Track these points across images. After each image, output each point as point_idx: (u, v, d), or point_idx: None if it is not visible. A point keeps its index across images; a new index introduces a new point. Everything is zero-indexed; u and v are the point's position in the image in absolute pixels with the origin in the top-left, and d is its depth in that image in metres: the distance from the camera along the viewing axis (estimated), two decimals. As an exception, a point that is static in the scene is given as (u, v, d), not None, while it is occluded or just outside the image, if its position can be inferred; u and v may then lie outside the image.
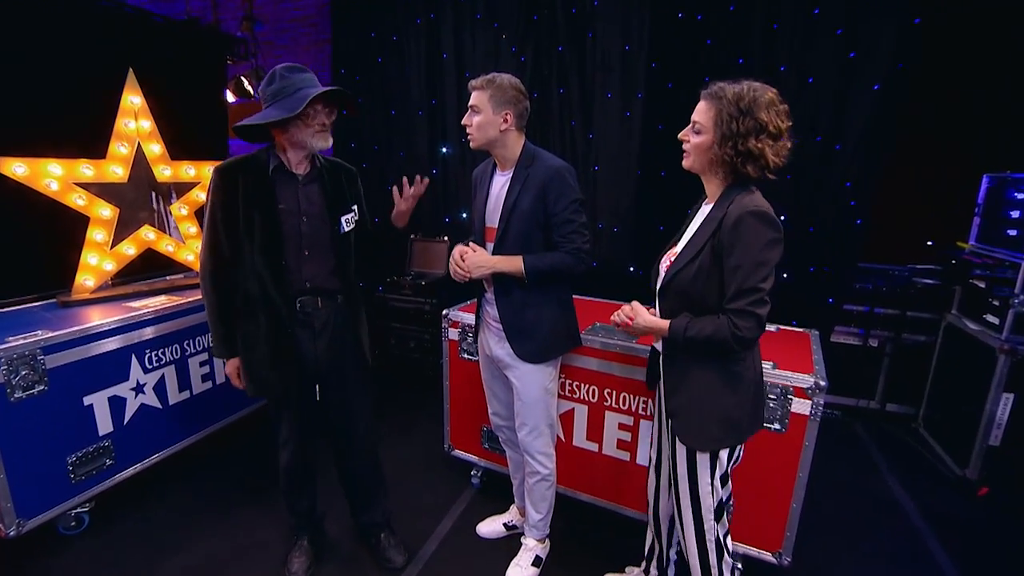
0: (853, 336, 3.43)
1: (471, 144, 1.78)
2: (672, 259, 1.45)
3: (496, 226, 1.80)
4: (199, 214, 2.85)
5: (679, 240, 1.52)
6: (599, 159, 3.56)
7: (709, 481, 1.44)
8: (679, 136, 1.43)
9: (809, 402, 1.76)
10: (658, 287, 1.48)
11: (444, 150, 4.06)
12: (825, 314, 3.23)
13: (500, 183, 1.83)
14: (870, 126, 3.02)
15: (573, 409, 2.21)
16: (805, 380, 1.77)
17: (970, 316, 2.82)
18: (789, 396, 1.78)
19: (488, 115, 1.71)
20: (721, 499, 1.47)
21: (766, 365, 1.84)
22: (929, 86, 3.03)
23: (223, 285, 1.73)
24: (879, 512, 2.46)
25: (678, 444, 1.46)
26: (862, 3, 2.94)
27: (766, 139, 1.26)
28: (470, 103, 1.73)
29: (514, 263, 1.74)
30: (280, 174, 1.71)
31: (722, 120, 1.28)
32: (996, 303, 2.58)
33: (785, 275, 3.24)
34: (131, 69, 2.46)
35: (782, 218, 3.16)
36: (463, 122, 1.76)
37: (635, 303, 1.49)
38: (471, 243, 1.85)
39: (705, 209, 1.44)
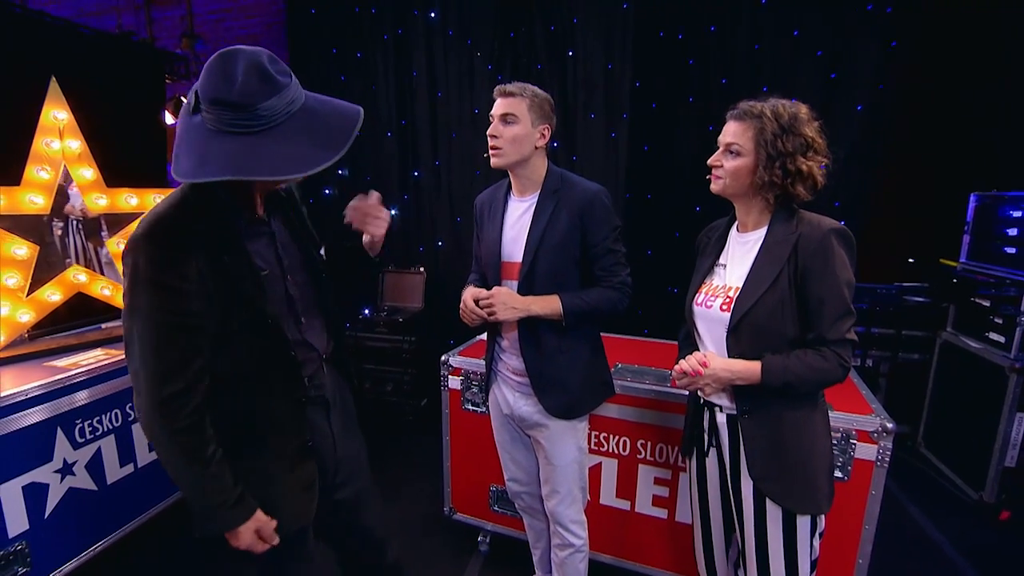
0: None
1: (496, 162, 1.51)
2: (731, 295, 1.27)
3: (520, 261, 1.55)
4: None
5: (712, 271, 1.36)
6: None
7: (809, 542, 1.26)
8: (709, 162, 1.28)
9: (875, 447, 1.59)
10: (728, 327, 1.27)
11: (416, 174, 3.78)
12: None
13: (520, 211, 1.58)
14: (857, 147, 3.03)
15: (601, 463, 1.96)
16: (869, 423, 1.60)
17: (969, 334, 2.82)
18: (852, 441, 1.61)
19: (527, 127, 1.47)
20: (816, 558, 1.29)
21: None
22: (906, 106, 3.07)
23: (202, 420, 1.06)
24: (912, 546, 2.35)
25: (770, 509, 1.25)
26: (841, 26, 2.96)
27: (814, 156, 1.18)
28: (501, 112, 1.47)
29: (550, 304, 1.49)
30: (251, 225, 1.16)
31: (765, 140, 1.17)
32: (999, 321, 2.57)
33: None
34: (53, 78, 2.04)
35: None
36: (490, 132, 1.49)
37: (709, 352, 1.27)
38: (474, 284, 1.59)
39: (751, 236, 1.28)
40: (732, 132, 1.23)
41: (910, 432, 3.25)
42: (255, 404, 1.15)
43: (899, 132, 3.09)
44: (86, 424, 1.97)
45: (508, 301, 1.48)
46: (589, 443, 1.94)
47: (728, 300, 1.27)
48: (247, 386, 1.14)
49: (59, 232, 2.17)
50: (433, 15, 3.53)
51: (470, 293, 1.53)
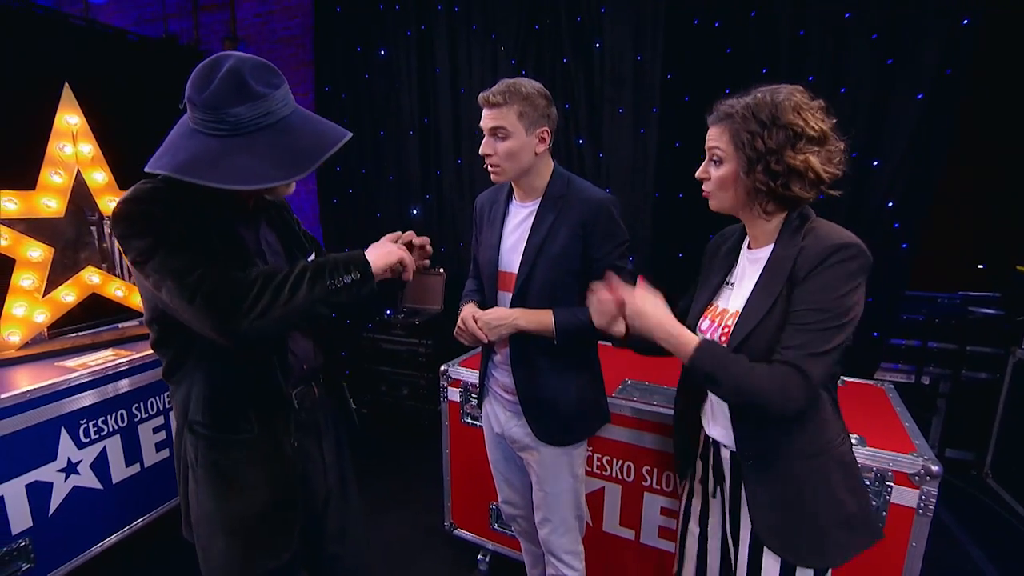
0: (901, 374, 3.05)
1: (496, 178, 1.39)
2: (730, 323, 1.10)
3: (516, 271, 1.42)
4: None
5: (720, 291, 1.20)
6: (611, 181, 3.22)
7: None
8: (696, 175, 1.13)
9: (916, 491, 1.36)
10: None
11: (438, 173, 3.70)
12: (869, 350, 2.87)
13: (520, 216, 1.46)
14: (915, 140, 2.70)
15: (603, 488, 1.81)
16: (909, 463, 1.37)
17: (1048, 354, 2.46)
18: (887, 483, 1.39)
19: (521, 138, 1.32)
20: None
21: (852, 438, 1.46)
22: (977, 92, 2.72)
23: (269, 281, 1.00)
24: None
25: (767, 559, 1.09)
26: (901, 5, 2.64)
27: (807, 146, 0.99)
28: (489, 126, 1.33)
29: (541, 320, 1.36)
30: (237, 214, 1.12)
31: (742, 141, 1.02)
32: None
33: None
34: (66, 84, 2.08)
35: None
36: (483, 151, 1.36)
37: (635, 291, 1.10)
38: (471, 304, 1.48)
39: (761, 253, 1.11)
40: (712, 137, 1.09)
41: (975, 460, 2.90)
42: (247, 399, 1.10)
43: (967, 122, 2.73)
44: (91, 424, 2.00)
45: (494, 318, 1.38)
46: (591, 465, 1.79)
47: (728, 329, 1.10)
48: (240, 381, 1.09)
49: (73, 233, 2.22)
50: (456, 9, 3.43)
51: (467, 311, 1.44)
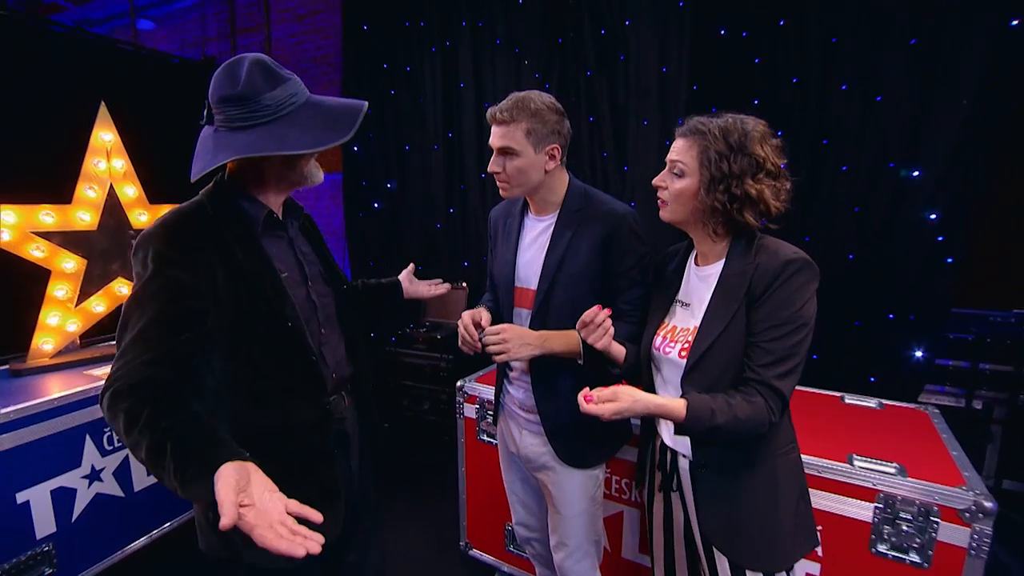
0: (949, 397, 2.86)
1: (506, 195, 1.37)
2: (691, 339, 1.12)
3: (534, 288, 1.38)
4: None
5: (671, 309, 1.22)
6: (635, 195, 3.16)
7: None
8: (654, 182, 1.18)
9: (967, 530, 1.24)
10: (683, 372, 1.12)
11: (462, 187, 3.71)
12: (912, 371, 2.70)
13: (537, 231, 1.42)
14: (960, 149, 2.56)
15: (622, 512, 1.73)
16: (958, 497, 1.26)
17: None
18: (933, 519, 1.27)
19: (529, 156, 1.29)
20: None
21: (889, 468, 1.35)
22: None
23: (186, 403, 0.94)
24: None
25: (719, 560, 1.13)
26: (942, 8, 2.52)
27: (764, 178, 1.07)
28: (497, 145, 1.30)
29: (570, 341, 1.30)
30: (268, 227, 1.13)
31: (709, 160, 1.07)
32: None
33: (857, 323, 2.75)
34: (103, 103, 2.17)
35: (849, 257, 2.74)
36: (491, 169, 1.33)
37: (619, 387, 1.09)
38: (483, 308, 1.43)
39: (711, 270, 1.15)
40: (677, 149, 1.13)
41: (1035, 493, 2.67)
42: (276, 414, 1.10)
43: (1018, 128, 2.57)
44: (115, 432, 2.03)
45: (522, 338, 1.30)
46: (608, 488, 1.72)
47: (688, 344, 1.12)
48: (267, 395, 1.09)
49: (105, 246, 2.29)
50: (480, 24, 3.46)
51: (470, 316, 1.38)
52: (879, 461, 1.38)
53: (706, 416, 1.01)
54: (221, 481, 0.80)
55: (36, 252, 2.08)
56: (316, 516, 0.81)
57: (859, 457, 1.41)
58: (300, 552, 0.74)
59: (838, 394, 1.93)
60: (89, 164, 2.17)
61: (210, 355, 1.02)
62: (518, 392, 1.48)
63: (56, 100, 2.40)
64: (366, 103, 1.10)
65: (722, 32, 2.94)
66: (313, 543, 0.77)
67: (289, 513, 0.80)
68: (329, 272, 1.28)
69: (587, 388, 1.08)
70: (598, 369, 1.34)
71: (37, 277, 2.14)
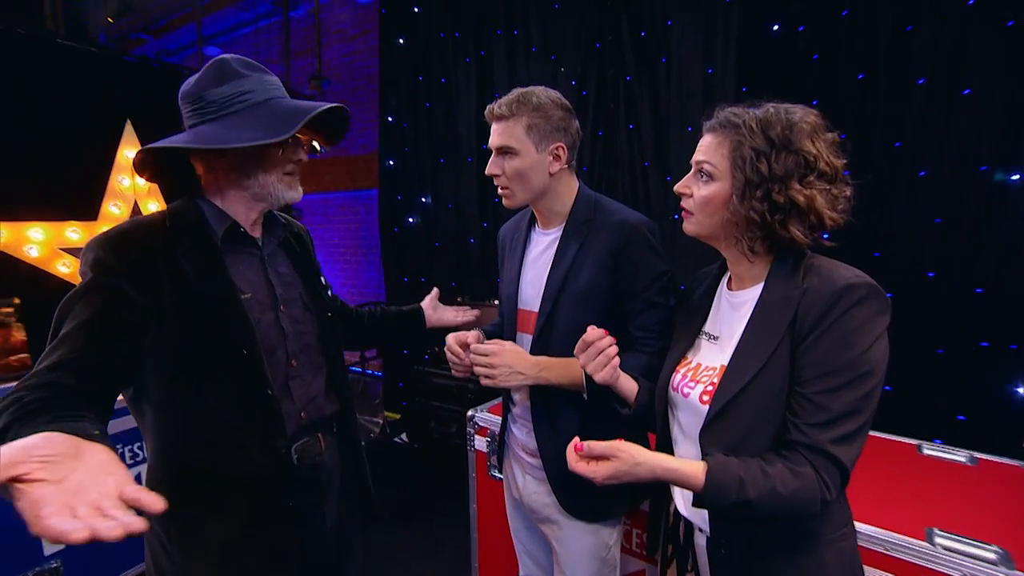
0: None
1: (507, 203, 1.21)
2: (711, 373, 0.91)
3: (537, 311, 1.21)
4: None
5: (697, 342, 1.00)
6: (679, 207, 2.92)
7: None
8: (676, 188, 0.97)
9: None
10: (704, 422, 0.89)
11: (495, 200, 3.59)
12: (1015, 413, 2.28)
13: (541, 246, 1.25)
14: (1071, 148, 2.17)
15: (644, 571, 1.49)
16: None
17: None
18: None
19: (530, 155, 1.13)
20: None
21: (987, 552, 1.06)
22: None
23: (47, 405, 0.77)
24: None
25: None
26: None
27: (816, 182, 0.84)
28: (495, 143, 1.16)
29: (570, 370, 1.12)
30: (232, 241, 1.03)
31: (744, 159, 0.85)
32: None
33: (940, 351, 2.37)
34: (128, 121, 2.21)
35: (929, 275, 2.36)
36: (488, 171, 1.19)
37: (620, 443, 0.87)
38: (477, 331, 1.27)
39: (746, 295, 0.92)
40: (704, 147, 0.91)
41: None
42: (217, 456, 0.98)
43: None
44: (127, 450, 2.02)
45: (514, 364, 1.12)
46: (628, 542, 1.49)
47: (712, 386, 0.88)
48: (208, 432, 0.97)
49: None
50: (516, 32, 3.36)
51: (455, 338, 1.22)
52: (971, 541, 1.08)
53: (733, 487, 0.78)
54: (14, 444, 0.58)
55: (63, 268, 2.12)
56: (157, 505, 0.57)
57: (942, 533, 1.11)
58: (84, 536, 0.51)
59: (915, 442, 1.60)
60: (114, 181, 2.22)
61: (145, 373, 0.92)
62: (520, 432, 1.30)
63: (84, 119, 2.47)
64: (329, 105, 1.00)
65: (775, 28, 2.68)
66: (131, 521, 0.54)
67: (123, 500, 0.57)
68: (312, 297, 1.15)
69: (577, 438, 0.89)
70: (607, 406, 1.14)
71: (65, 292, 2.18)
